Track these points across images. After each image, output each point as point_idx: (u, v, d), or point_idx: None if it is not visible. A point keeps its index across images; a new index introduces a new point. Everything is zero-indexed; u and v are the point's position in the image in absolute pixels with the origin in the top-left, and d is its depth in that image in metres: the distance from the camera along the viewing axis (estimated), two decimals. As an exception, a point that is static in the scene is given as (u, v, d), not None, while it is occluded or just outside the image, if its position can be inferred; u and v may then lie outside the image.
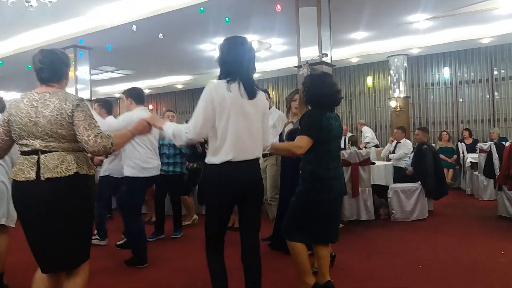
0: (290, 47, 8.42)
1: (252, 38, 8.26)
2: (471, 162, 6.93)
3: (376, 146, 9.18)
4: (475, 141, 8.06)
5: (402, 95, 9.79)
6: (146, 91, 12.07)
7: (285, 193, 3.71)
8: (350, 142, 8.24)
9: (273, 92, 12.13)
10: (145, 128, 2.24)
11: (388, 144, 7.04)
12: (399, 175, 5.53)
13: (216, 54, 6.32)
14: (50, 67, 2.05)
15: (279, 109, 7.18)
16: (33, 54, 2.10)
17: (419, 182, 5.18)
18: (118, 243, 4.16)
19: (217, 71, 2.23)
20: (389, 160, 6.51)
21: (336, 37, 6.84)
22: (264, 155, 4.30)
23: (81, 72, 8.13)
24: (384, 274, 3.24)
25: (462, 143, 7.73)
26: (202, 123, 2.05)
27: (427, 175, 5.18)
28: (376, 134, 10.14)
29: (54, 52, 2.11)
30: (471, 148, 7.50)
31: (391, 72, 9.94)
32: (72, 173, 1.94)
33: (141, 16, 6.48)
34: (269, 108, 4.33)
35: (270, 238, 4.23)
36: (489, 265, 3.36)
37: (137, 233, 3.55)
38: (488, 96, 9.55)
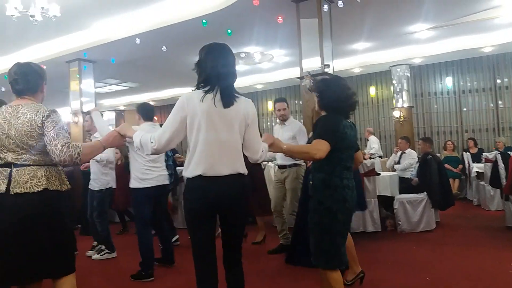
0: (292, 58, 8.45)
1: (254, 50, 8.32)
2: (477, 172, 6.87)
3: (380, 157, 9.13)
4: (481, 151, 7.99)
5: (405, 105, 9.77)
6: (150, 104, 12.11)
7: (303, 204, 3.64)
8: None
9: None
10: (115, 138, 2.13)
11: (393, 154, 6.99)
12: (405, 185, 5.47)
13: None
14: (24, 78, 2.06)
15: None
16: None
17: (425, 193, 5.12)
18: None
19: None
20: (394, 170, 6.46)
21: (337, 48, 6.86)
22: (282, 166, 4.23)
23: (86, 85, 8.21)
24: (391, 286, 3.18)
25: (467, 153, 7.66)
26: (168, 136, 1.98)
27: (432, 185, 5.13)
28: (380, 144, 10.09)
29: (29, 65, 2.13)
30: (476, 158, 7.43)
31: (394, 82, 9.94)
32: (41, 189, 1.93)
33: (144, 29, 6.54)
34: (287, 119, 4.32)
35: (276, 251, 4.19)
36: (498, 277, 3.29)
37: (144, 243, 3.55)
38: (492, 105, 9.52)
